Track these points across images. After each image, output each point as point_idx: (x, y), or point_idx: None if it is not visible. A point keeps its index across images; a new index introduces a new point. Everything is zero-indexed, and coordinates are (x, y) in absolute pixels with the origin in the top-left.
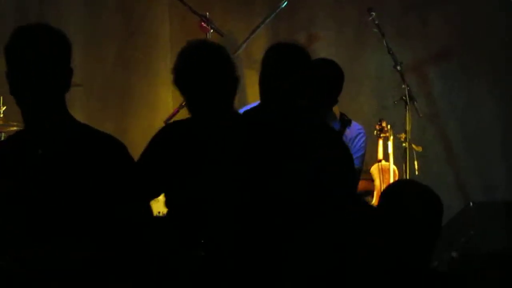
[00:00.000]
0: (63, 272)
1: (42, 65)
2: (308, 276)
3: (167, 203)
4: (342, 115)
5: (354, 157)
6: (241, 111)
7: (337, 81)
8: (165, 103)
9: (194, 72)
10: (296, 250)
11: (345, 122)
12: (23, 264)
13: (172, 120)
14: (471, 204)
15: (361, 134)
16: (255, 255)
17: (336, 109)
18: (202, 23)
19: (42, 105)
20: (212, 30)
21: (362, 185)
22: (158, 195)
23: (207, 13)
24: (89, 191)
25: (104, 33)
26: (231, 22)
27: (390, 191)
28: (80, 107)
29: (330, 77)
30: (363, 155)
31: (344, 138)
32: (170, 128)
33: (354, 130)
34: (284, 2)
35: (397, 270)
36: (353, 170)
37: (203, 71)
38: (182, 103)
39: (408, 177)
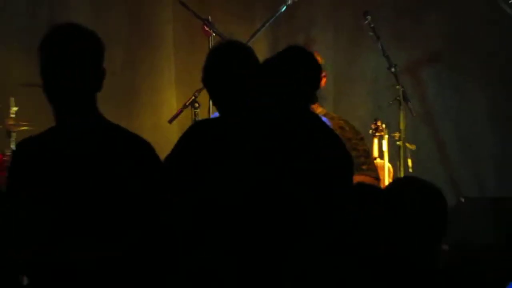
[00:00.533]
0: (90, 269)
1: (76, 64)
2: (310, 275)
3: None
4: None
5: None
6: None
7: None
8: (169, 104)
9: (223, 70)
10: (300, 250)
11: None
12: (51, 260)
13: (175, 119)
14: (462, 199)
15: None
16: (265, 254)
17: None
18: (205, 27)
19: (74, 104)
20: (214, 34)
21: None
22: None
23: (209, 17)
24: (117, 189)
25: (112, 36)
26: (232, 25)
27: (396, 188)
28: None
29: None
30: None
31: None
32: (200, 126)
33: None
34: (284, 7)
35: (402, 267)
36: (353, 169)
37: (232, 70)
38: (186, 103)
39: (402, 174)
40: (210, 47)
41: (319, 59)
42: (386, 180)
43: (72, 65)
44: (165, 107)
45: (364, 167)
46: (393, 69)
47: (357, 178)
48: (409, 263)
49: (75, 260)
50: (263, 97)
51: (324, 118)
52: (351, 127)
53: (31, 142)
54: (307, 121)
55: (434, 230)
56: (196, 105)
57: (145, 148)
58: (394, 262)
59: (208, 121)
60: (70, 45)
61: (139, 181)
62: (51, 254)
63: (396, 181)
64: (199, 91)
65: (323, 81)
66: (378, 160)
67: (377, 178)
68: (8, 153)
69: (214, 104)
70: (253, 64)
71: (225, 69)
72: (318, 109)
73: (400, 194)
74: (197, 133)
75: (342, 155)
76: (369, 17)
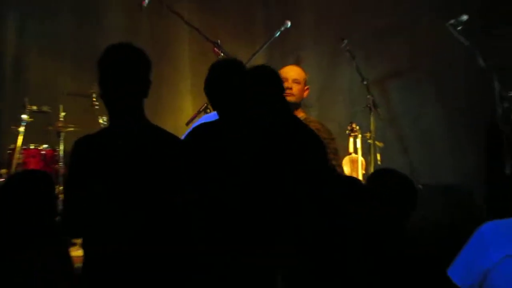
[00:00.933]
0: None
1: (128, 76)
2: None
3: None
4: None
5: None
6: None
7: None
8: (186, 109)
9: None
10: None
11: None
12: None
13: (191, 122)
14: (420, 186)
15: None
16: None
17: None
18: (215, 48)
19: (126, 109)
20: (222, 54)
21: None
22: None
23: (219, 40)
24: (153, 174)
25: None
26: (236, 47)
27: (376, 175)
28: None
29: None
30: None
31: None
32: (200, 130)
33: None
34: (278, 32)
35: (381, 237)
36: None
37: (227, 83)
38: (200, 108)
39: (372, 166)
40: None
41: (303, 74)
42: (360, 170)
43: (125, 76)
44: (183, 112)
45: (333, 162)
46: (365, 82)
47: None
48: (386, 235)
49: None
50: (256, 105)
51: None
52: (325, 129)
53: (88, 138)
54: (295, 124)
55: (407, 206)
56: (208, 110)
57: (176, 143)
58: (374, 235)
59: (207, 125)
60: (124, 61)
61: (172, 171)
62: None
63: (377, 171)
64: None
65: (307, 92)
66: (353, 155)
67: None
68: (58, 149)
69: (214, 110)
70: (244, 78)
71: (222, 81)
72: (300, 114)
73: (381, 180)
74: (197, 136)
75: (325, 154)
76: (345, 41)
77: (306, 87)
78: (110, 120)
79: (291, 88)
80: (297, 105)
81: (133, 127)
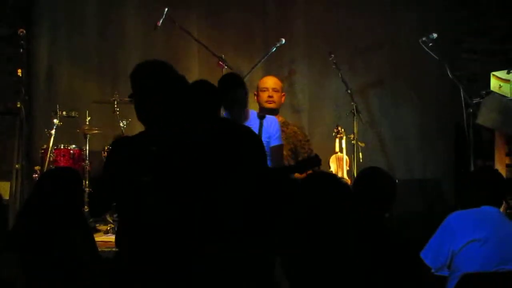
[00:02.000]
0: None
1: (158, 88)
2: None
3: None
4: (258, 113)
5: (275, 136)
6: None
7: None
8: None
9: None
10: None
11: (261, 116)
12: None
13: None
14: (396, 181)
15: (275, 121)
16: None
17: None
18: (220, 61)
19: (155, 117)
20: (226, 66)
21: None
22: None
23: (223, 55)
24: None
25: None
26: (238, 60)
27: (363, 173)
28: None
29: None
30: (280, 135)
31: (264, 124)
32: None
33: (268, 120)
34: (274, 48)
35: (365, 226)
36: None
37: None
38: None
39: (355, 164)
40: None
41: (280, 83)
42: (345, 167)
43: (155, 88)
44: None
45: None
46: (349, 91)
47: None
48: (368, 225)
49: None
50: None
51: (269, 116)
52: (302, 132)
53: (125, 139)
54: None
55: (387, 199)
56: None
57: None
58: (361, 221)
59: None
60: (154, 75)
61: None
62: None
63: (363, 170)
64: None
65: (283, 98)
66: (339, 154)
67: None
68: (84, 149)
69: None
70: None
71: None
72: (279, 118)
73: (366, 177)
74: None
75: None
76: (332, 55)
77: (283, 94)
78: (145, 126)
79: (272, 96)
80: (276, 111)
81: (162, 134)
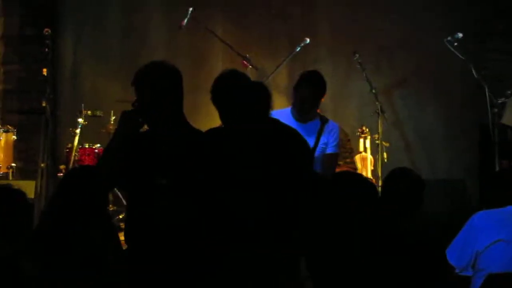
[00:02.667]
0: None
1: (165, 90)
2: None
3: None
4: (322, 115)
5: (332, 144)
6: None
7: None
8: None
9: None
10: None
11: (324, 120)
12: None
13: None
14: None
15: (336, 128)
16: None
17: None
18: (244, 61)
19: (166, 117)
20: (250, 66)
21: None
22: None
23: (247, 55)
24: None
25: (180, 68)
26: (263, 60)
27: (393, 173)
28: None
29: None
30: (338, 143)
31: (324, 130)
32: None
33: (330, 126)
34: (298, 48)
35: (392, 226)
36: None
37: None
38: None
39: (380, 163)
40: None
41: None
42: (369, 167)
43: (163, 90)
44: (216, 117)
45: (348, 160)
46: (373, 91)
47: (343, 168)
48: (396, 224)
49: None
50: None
51: (332, 122)
52: (342, 130)
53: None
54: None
55: (416, 200)
56: None
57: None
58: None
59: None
60: (158, 76)
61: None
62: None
63: (393, 170)
64: None
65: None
66: (363, 154)
67: (355, 169)
68: None
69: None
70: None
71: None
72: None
73: (395, 177)
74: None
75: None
76: (357, 55)
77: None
78: (150, 127)
79: None
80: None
81: (172, 134)
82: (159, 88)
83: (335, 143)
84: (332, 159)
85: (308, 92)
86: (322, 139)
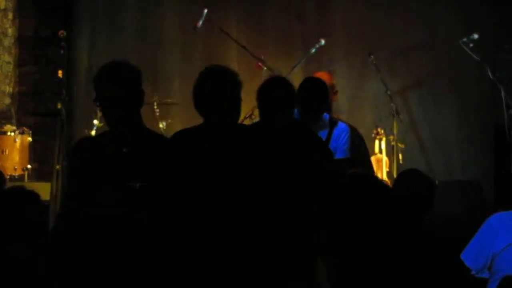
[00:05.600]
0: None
1: (123, 89)
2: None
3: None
4: (331, 118)
5: (342, 148)
6: None
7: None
8: None
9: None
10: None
11: (332, 123)
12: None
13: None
14: (436, 182)
15: (345, 132)
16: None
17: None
18: (259, 63)
19: (125, 118)
20: (265, 67)
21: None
22: None
23: (262, 56)
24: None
25: (195, 69)
26: (277, 61)
27: (403, 174)
28: (179, 120)
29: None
30: (348, 147)
31: (332, 135)
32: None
33: (339, 129)
34: (313, 49)
35: (405, 228)
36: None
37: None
38: (245, 115)
39: (395, 165)
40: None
41: (330, 79)
42: (384, 168)
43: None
44: None
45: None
46: (388, 92)
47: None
48: (408, 226)
49: None
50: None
51: (341, 124)
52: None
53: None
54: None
55: (426, 201)
56: (253, 117)
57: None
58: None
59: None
60: (115, 78)
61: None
62: None
63: (403, 171)
64: (254, 108)
65: (336, 96)
66: (378, 155)
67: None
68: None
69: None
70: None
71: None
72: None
73: (405, 179)
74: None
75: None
76: (372, 56)
77: (335, 90)
78: (110, 127)
79: None
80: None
81: (132, 134)
82: (122, 85)
83: (344, 148)
84: (341, 164)
85: (310, 99)
86: (332, 143)
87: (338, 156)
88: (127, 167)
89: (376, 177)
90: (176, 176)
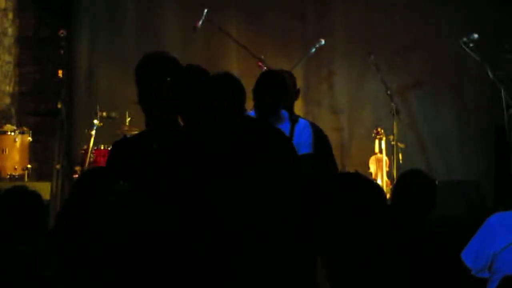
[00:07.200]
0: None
1: (164, 85)
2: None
3: None
4: (291, 115)
5: (306, 144)
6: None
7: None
8: None
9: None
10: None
11: (293, 121)
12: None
13: None
14: (437, 182)
15: (307, 127)
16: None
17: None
18: (259, 62)
19: (161, 115)
20: (265, 67)
21: None
22: None
23: (262, 56)
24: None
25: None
26: (277, 61)
27: (403, 175)
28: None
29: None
30: (312, 142)
31: (294, 132)
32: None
33: (301, 125)
34: (313, 49)
35: (405, 229)
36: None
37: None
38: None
39: (395, 165)
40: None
41: (290, 77)
42: (384, 168)
43: (161, 85)
44: None
45: None
46: (388, 92)
47: None
48: (409, 227)
49: None
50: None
51: (302, 121)
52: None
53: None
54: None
55: (427, 202)
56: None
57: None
58: (402, 225)
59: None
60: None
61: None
62: None
63: (403, 172)
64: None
65: (298, 96)
66: (378, 155)
67: None
68: None
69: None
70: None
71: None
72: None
73: (405, 179)
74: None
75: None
76: (372, 56)
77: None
78: (146, 124)
79: None
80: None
81: (165, 131)
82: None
83: (307, 143)
84: (307, 160)
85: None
86: (294, 140)
87: (302, 151)
88: (157, 159)
89: (368, 178)
90: (188, 176)
